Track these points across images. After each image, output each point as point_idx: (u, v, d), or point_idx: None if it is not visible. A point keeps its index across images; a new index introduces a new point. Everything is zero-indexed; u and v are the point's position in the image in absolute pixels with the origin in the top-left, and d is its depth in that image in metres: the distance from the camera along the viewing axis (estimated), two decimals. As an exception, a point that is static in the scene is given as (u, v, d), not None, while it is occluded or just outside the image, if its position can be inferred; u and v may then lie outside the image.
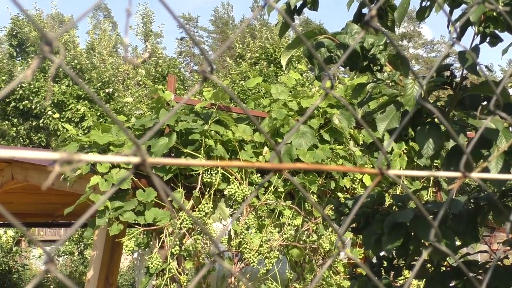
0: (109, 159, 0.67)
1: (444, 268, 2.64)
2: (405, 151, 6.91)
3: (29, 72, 0.57)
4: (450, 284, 2.62)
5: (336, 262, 6.39)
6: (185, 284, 5.94)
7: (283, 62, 2.19)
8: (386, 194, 5.80)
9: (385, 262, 2.74)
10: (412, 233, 2.44)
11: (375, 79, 2.23)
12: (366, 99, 2.32)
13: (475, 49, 2.01)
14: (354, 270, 2.88)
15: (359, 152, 6.60)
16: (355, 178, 6.61)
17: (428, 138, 2.12)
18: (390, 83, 2.22)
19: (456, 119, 2.22)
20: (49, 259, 0.60)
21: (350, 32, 2.04)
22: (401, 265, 2.73)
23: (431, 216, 2.50)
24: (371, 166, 6.72)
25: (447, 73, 2.52)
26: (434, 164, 7.25)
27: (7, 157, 0.60)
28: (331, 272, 6.45)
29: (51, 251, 0.63)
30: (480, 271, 2.58)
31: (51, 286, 14.96)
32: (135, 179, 5.60)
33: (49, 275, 15.43)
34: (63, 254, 15.12)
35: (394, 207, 2.55)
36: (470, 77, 2.83)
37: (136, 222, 5.52)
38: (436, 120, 2.21)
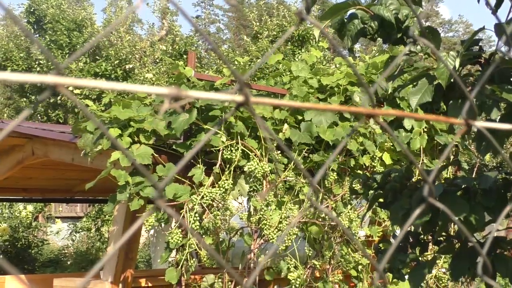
0: (214, 97, 0.67)
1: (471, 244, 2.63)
2: (425, 129, 6.87)
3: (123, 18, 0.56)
4: (477, 261, 2.61)
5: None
6: (204, 259, 5.98)
7: (316, 33, 2.17)
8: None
9: (411, 238, 2.73)
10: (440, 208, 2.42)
11: (407, 52, 2.21)
12: (398, 73, 2.30)
13: (512, 21, 1.99)
14: (379, 245, 2.88)
15: (379, 130, 6.57)
16: (374, 156, 6.59)
17: (460, 113, 2.10)
18: (424, 55, 2.20)
19: (488, 93, 2.20)
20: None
21: (385, 3, 2.02)
22: (427, 240, 2.73)
23: (459, 191, 2.48)
24: (391, 144, 6.70)
25: (476, 48, 2.49)
26: (455, 142, 7.21)
27: (120, 89, 0.59)
28: (349, 249, 6.46)
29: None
30: (508, 247, 2.57)
31: (68, 262, 15.10)
32: (155, 155, 5.62)
33: (66, 251, 15.56)
34: (80, 230, 15.23)
35: (422, 182, 2.54)
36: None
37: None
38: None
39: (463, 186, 2.49)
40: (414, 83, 2.14)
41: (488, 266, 1.12)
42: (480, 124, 1.02)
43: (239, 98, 0.64)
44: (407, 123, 6.66)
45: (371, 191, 2.61)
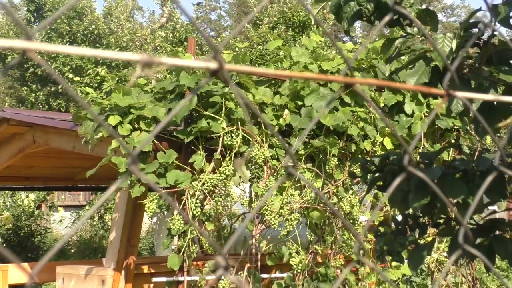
0: (188, 63, 0.67)
1: (470, 226, 2.64)
2: (426, 114, 6.86)
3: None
4: (476, 242, 2.61)
5: (356, 225, 6.40)
6: (206, 245, 5.99)
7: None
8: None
9: (410, 220, 2.74)
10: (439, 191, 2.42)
11: (404, 34, 2.20)
12: (395, 55, 2.30)
13: (509, 2, 1.98)
14: (378, 229, 2.88)
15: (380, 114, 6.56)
16: (375, 141, 6.58)
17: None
18: (420, 37, 2.20)
19: (486, 75, 2.19)
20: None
21: (381, -16, 2.01)
22: (426, 223, 2.73)
23: (458, 173, 2.49)
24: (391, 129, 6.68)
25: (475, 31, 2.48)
26: (456, 127, 7.20)
27: (90, 55, 0.59)
28: (351, 234, 6.46)
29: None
30: (507, 228, 2.57)
31: (72, 250, 15.14)
32: (156, 142, 5.62)
33: (69, 239, 15.60)
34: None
35: (421, 164, 2.54)
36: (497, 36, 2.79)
37: (158, 184, 5.54)
38: (465, 76, 2.18)
39: (461, 169, 2.49)
40: (411, 65, 2.14)
41: (469, 235, 1.12)
42: (461, 94, 1.02)
43: (213, 65, 0.64)
44: (407, 108, 6.65)
45: (370, 175, 2.61)
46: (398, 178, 0.99)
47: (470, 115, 2.57)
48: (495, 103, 2.33)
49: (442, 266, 6.77)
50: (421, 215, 2.68)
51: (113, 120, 5.55)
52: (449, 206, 1.24)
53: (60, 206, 17.81)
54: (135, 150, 0.73)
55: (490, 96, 1.21)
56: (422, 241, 2.80)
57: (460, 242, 1.10)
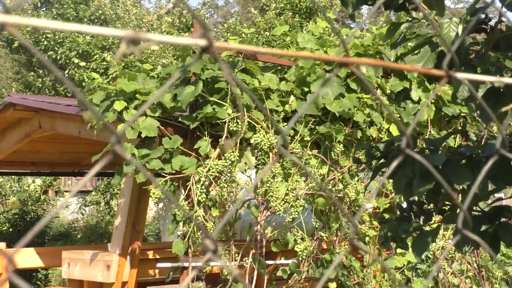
0: (176, 41, 0.65)
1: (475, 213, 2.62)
2: (433, 101, 6.83)
3: None
4: (481, 229, 2.60)
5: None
6: (211, 231, 5.99)
7: None
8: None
9: (415, 207, 2.72)
10: (444, 177, 2.41)
11: (410, 19, 2.18)
12: (400, 40, 2.28)
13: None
14: (383, 215, 2.87)
15: (386, 101, 6.53)
16: (381, 128, 6.56)
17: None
18: (426, 22, 2.17)
19: (492, 60, 2.17)
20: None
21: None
22: (431, 209, 2.72)
23: (464, 160, 2.47)
24: (398, 116, 6.66)
25: (482, 16, 2.46)
26: (462, 114, 7.17)
27: (74, 30, 0.57)
28: (356, 221, 6.46)
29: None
30: (512, 216, 2.56)
31: (78, 235, 15.18)
32: (161, 127, 5.61)
33: (76, 225, 15.66)
34: (89, 204, 15.28)
35: (426, 150, 2.53)
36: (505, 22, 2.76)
37: (163, 170, 5.54)
38: (471, 62, 2.16)
39: (467, 155, 2.47)
40: (417, 51, 2.12)
41: (468, 220, 1.11)
42: (461, 75, 1.00)
43: (202, 42, 0.62)
44: (414, 94, 6.61)
45: (375, 161, 2.60)
46: (396, 161, 0.98)
47: (476, 100, 2.55)
48: (501, 89, 2.31)
49: (448, 253, 6.76)
50: (425, 201, 2.67)
51: (119, 105, 5.55)
52: (447, 191, 1.23)
53: (67, 191, 17.83)
54: (120, 128, 0.71)
55: (492, 78, 1.19)
56: (427, 228, 2.79)
57: (459, 227, 1.09)
